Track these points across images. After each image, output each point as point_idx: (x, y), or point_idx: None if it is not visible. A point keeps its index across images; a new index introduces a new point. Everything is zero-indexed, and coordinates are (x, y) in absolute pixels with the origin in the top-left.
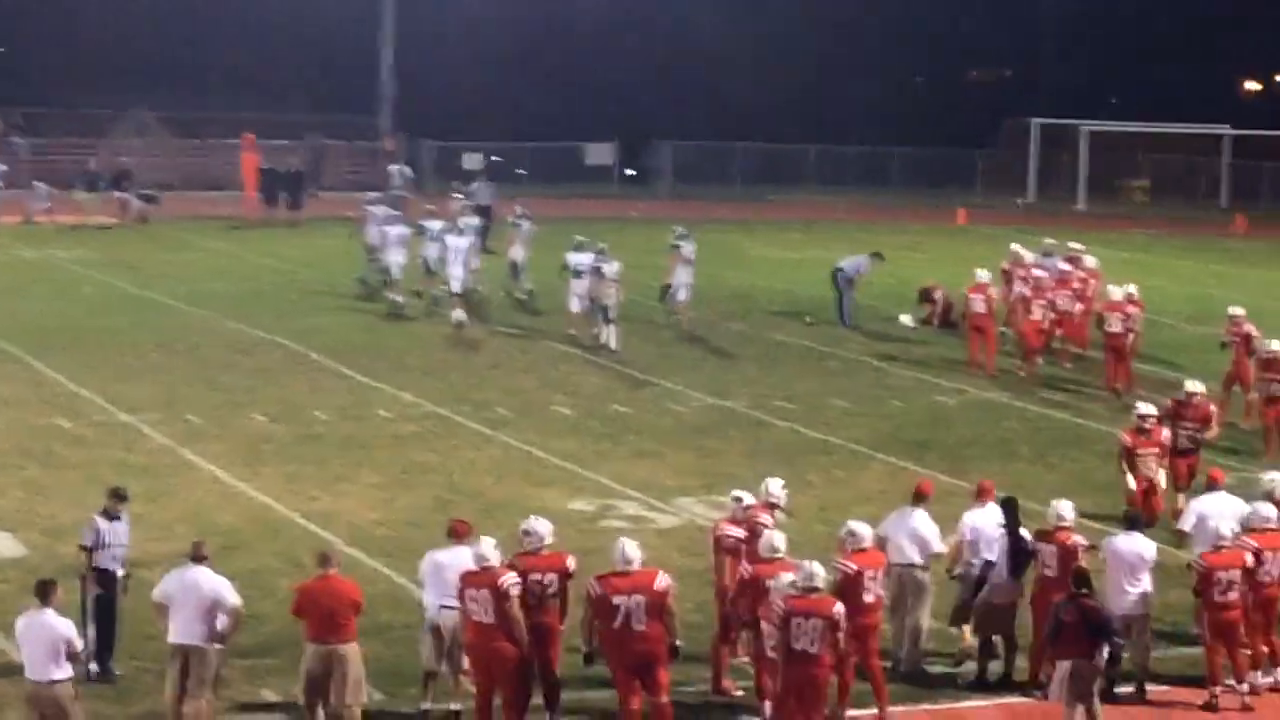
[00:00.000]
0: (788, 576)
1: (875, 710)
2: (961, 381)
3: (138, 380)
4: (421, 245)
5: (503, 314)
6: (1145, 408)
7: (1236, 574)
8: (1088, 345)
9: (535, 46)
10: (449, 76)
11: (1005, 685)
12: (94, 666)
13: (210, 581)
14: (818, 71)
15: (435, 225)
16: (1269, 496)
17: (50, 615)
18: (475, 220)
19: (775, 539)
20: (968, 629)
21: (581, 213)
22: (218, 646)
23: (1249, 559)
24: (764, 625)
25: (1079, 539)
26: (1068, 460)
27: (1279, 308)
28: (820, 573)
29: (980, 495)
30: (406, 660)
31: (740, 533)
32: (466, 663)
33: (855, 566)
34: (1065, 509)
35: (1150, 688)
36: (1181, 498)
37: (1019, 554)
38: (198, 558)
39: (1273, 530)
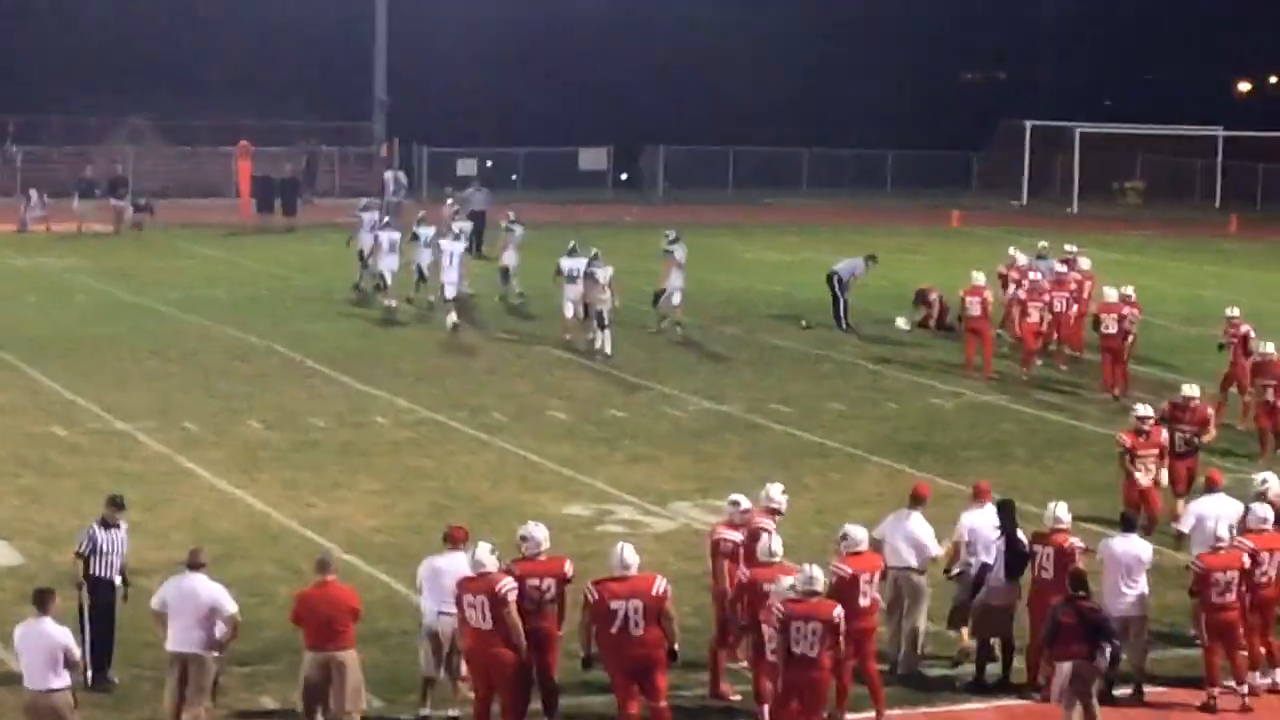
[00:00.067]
0: (787, 580)
1: (873, 714)
2: (957, 384)
3: (133, 388)
4: (414, 251)
5: (498, 319)
6: (1143, 409)
7: (1234, 575)
8: (1083, 348)
9: (529, 52)
10: (443, 82)
11: (1003, 687)
12: (88, 674)
13: (208, 589)
14: (812, 74)
15: (427, 231)
16: (1261, 497)
17: (48, 624)
18: (467, 225)
19: (773, 543)
20: (965, 631)
21: (576, 218)
22: (216, 654)
23: (1246, 560)
24: (764, 629)
25: (1075, 541)
26: (1064, 462)
27: (1274, 309)
28: (820, 576)
29: (977, 496)
30: (405, 667)
31: (738, 536)
32: (465, 669)
33: (850, 570)
34: (1061, 511)
35: (1148, 689)
36: (1181, 502)
37: (1016, 556)
38: (195, 565)
39: (1269, 531)
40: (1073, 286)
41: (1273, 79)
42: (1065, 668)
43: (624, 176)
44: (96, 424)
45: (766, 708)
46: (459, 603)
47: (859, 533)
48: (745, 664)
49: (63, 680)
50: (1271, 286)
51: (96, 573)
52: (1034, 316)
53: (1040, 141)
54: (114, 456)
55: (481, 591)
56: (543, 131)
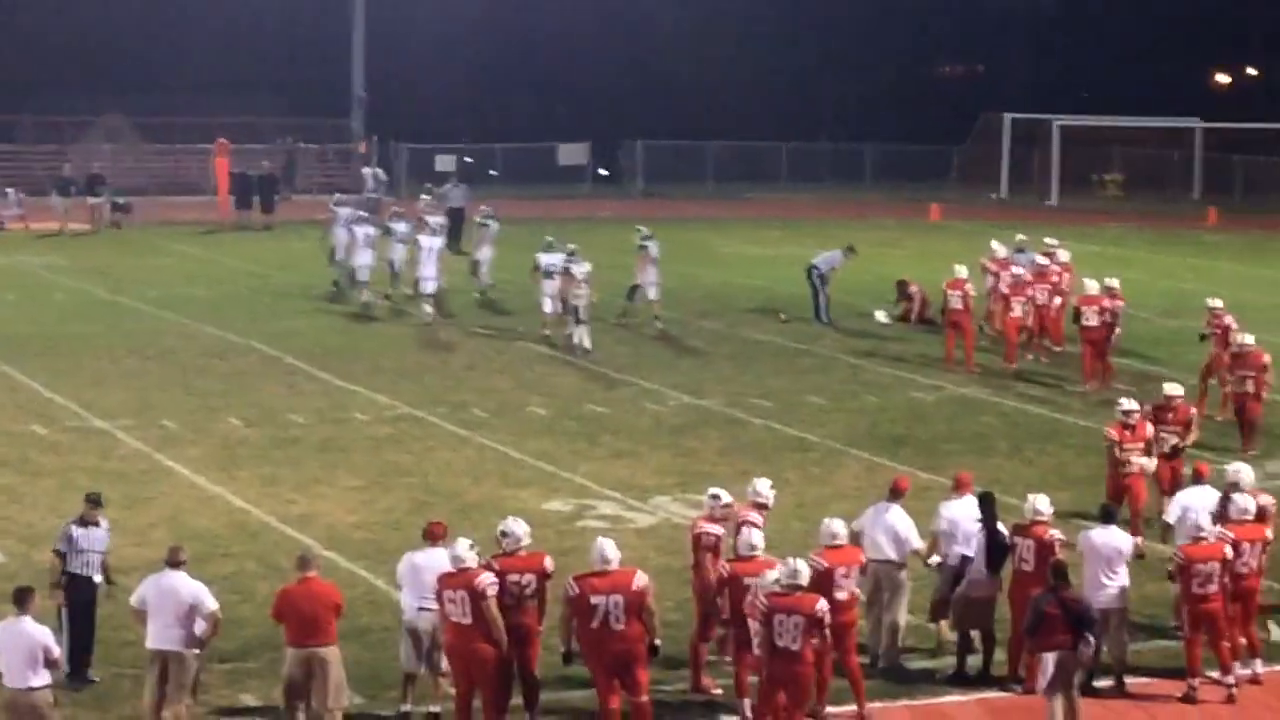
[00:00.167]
0: (772, 574)
1: (854, 707)
2: (938, 377)
3: (112, 386)
4: (388, 246)
5: (476, 315)
6: (1128, 403)
7: (1215, 566)
8: (1063, 340)
9: (508, 48)
10: (422, 79)
11: (984, 680)
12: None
13: (188, 586)
14: (790, 68)
15: (402, 226)
16: (1235, 488)
17: (28, 623)
18: (441, 219)
19: (753, 536)
20: (945, 624)
21: (555, 213)
22: (196, 651)
23: (1228, 551)
24: (750, 622)
25: (1056, 533)
26: (1045, 455)
27: (1253, 300)
28: (804, 570)
29: (958, 487)
30: (386, 663)
31: (720, 530)
32: (446, 664)
33: (825, 564)
34: (1042, 503)
35: (1129, 680)
36: (1166, 500)
37: (996, 549)
38: (175, 563)
39: (1250, 521)
40: (1054, 279)
41: (1250, 71)
42: (1049, 658)
43: (603, 172)
44: (75, 422)
45: (747, 701)
46: (439, 598)
47: (836, 526)
48: (728, 658)
49: (42, 679)
50: (1251, 279)
51: (74, 570)
52: (1017, 311)
53: (1019, 134)
54: (93, 455)
55: (461, 587)
56: (521, 127)
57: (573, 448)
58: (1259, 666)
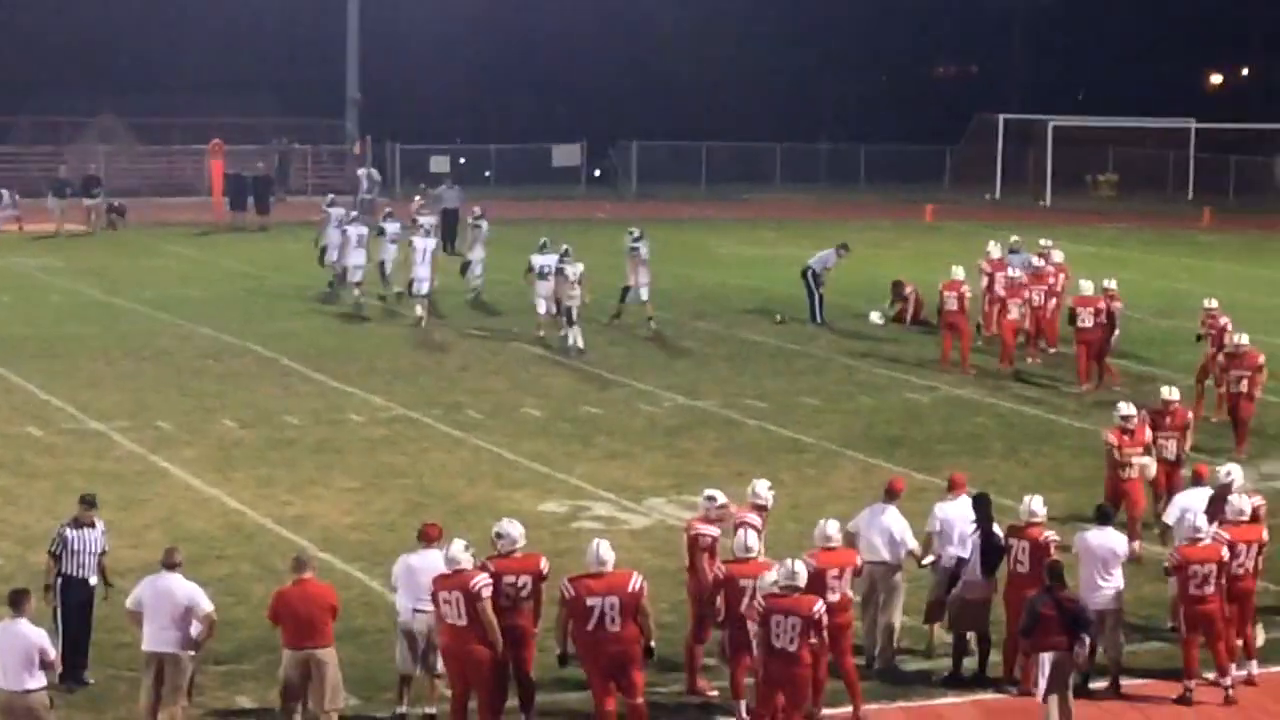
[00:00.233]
0: (770, 575)
1: (850, 709)
2: (933, 378)
3: (107, 387)
4: (379, 247)
5: (472, 317)
6: (1126, 408)
7: (1212, 567)
8: (1057, 341)
9: (502, 49)
10: (416, 79)
11: (979, 681)
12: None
13: (183, 588)
14: (785, 69)
15: (394, 227)
16: (1226, 490)
17: (24, 624)
18: (431, 220)
19: (749, 538)
20: (938, 627)
21: (549, 214)
22: (192, 653)
23: (1225, 553)
24: (749, 624)
25: (1051, 535)
26: (1040, 456)
27: (1247, 300)
28: (802, 571)
29: (952, 488)
30: (381, 665)
31: (716, 531)
32: (441, 666)
33: (815, 565)
34: (1037, 505)
35: (1124, 681)
36: (1162, 504)
37: (992, 550)
38: (170, 565)
39: (1246, 523)
40: (1050, 281)
41: (1244, 71)
42: (1045, 659)
43: (597, 173)
44: (71, 424)
45: (743, 703)
46: (434, 600)
47: (830, 528)
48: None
49: (38, 681)
50: (1246, 279)
51: (68, 572)
52: (1014, 314)
53: (1013, 135)
54: (89, 456)
55: (456, 588)
56: (516, 128)
57: (567, 449)
58: (1254, 668)
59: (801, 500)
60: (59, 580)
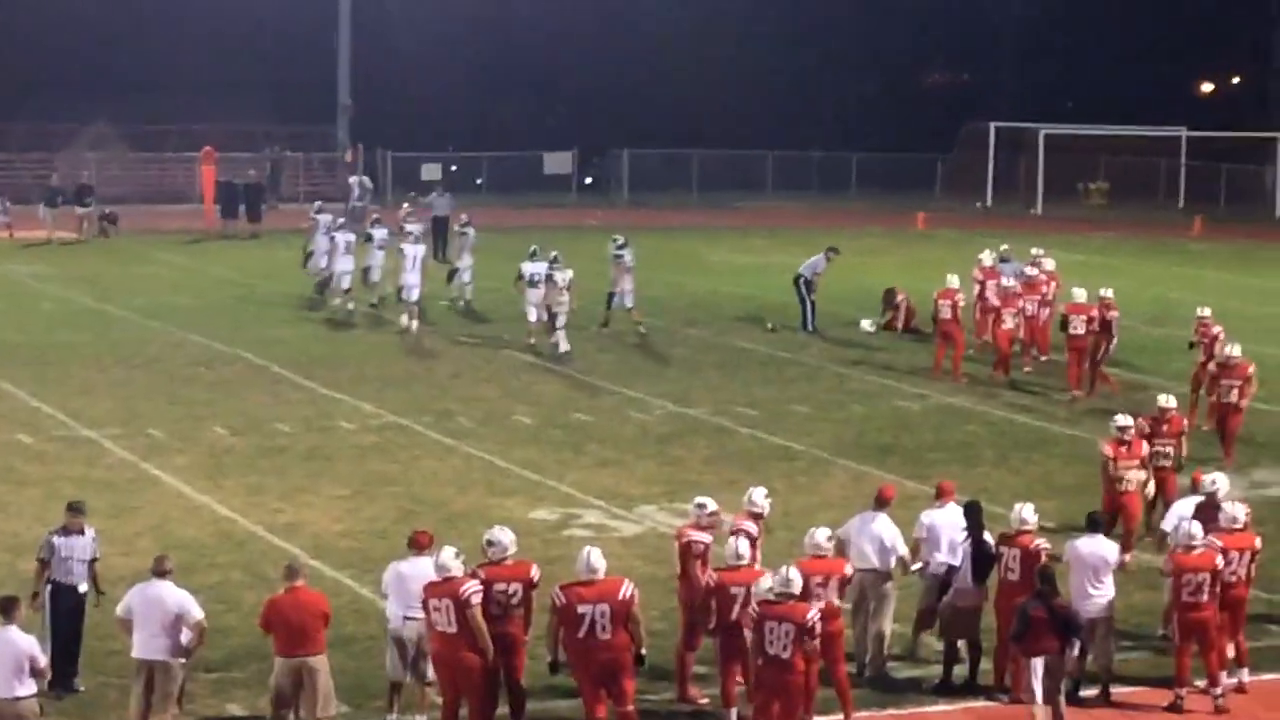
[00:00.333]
0: (766, 581)
1: (841, 717)
2: (925, 386)
3: (98, 395)
4: (367, 254)
5: (462, 324)
6: (1123, 419)
7: (1206, 576)
8: (1049, 349)
9: (494, 56)
10: (407, 87)
11: (970, 689)
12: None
13: (174, 596)
14: (776, 77)
15: (381, 233)
16: (1212, 498)
17: (13, 632)
18: (418, 227)
19: (741, 546)
20: (926, 635)
21: (540, 222)
22: (182, 661)
23: (1219, 561)
24: (745, 631)
25: (1041, 543)
26: (1031, 464)
27: (1238, 308)
28: (797, 579)
29: (940, 495)
30: (371, 672)
31: (708, 539)
32: (432, 673)
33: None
34: (1028, 513)
35: (1115, 689)
36: (1154, 512)
37: (982, 558)
38: (161, 572)
39: (1239, 530)
40: (1043, 290)
41: (1235, 79)
42: (1037, 663)
43: (588, 180)
44: (62, 431)
45: (734, 711)
46: (425, 607)
47: (819, 536)
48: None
49: (28, 688)
50: (1236, 287)
51: (57, 579)
52: (1009, 323)
53: (1004, 143)
54: (79, 464)
55: (446, 595)
56: (507, 136)
57: (559, 456)
58: (1245, 675)
59: (793, 508)
60: (49, 587)
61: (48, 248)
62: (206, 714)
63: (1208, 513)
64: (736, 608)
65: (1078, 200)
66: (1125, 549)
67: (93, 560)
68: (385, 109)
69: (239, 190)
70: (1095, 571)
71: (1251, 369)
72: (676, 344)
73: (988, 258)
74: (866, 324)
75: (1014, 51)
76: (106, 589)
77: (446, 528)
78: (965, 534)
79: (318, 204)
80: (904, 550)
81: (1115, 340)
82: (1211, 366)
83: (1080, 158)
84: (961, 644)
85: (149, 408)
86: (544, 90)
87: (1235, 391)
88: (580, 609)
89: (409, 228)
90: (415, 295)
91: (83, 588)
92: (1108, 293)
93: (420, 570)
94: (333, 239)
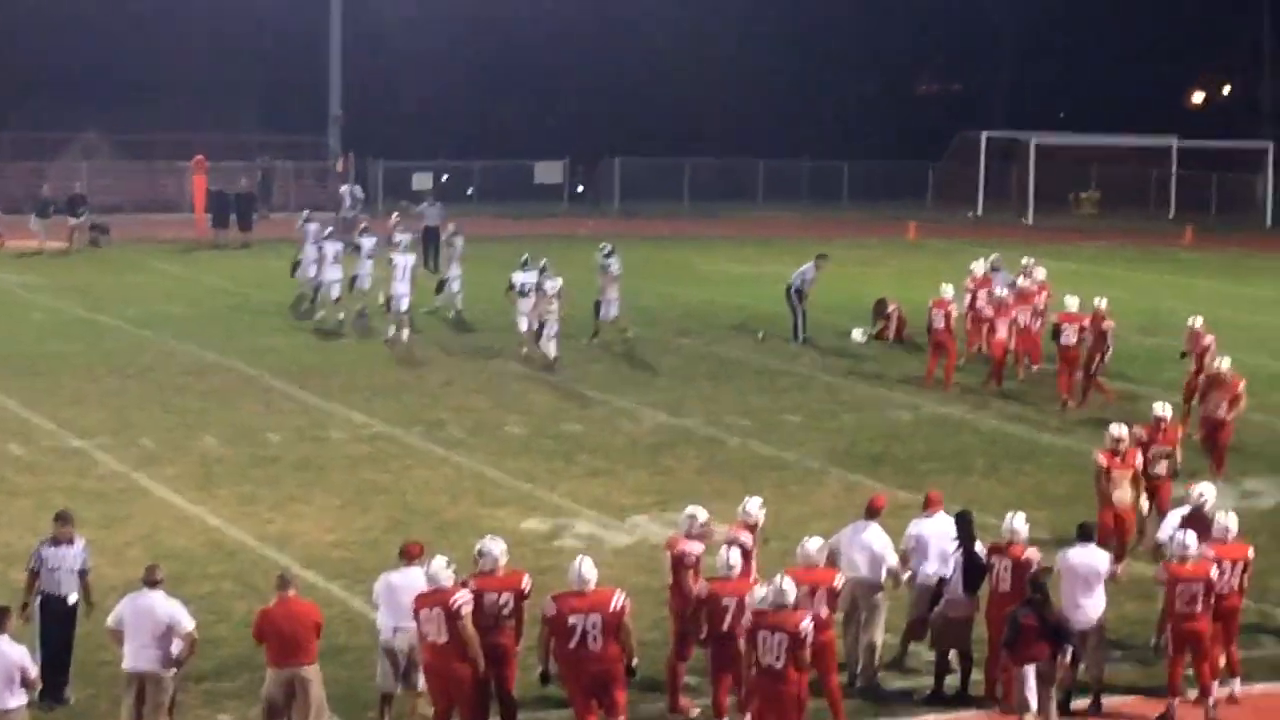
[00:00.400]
0: (760, 591)
1: None
2: (916, 396)
3: (89, 405)
4: (355, 263)
5: (452, 334)
6: (1118, 429)
7: (1200, 586)
8: (1041, 359)
9: (485, 66)
10: (399, 96)
11: (961, 700)
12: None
13: (165, 606)
14: (768, 86)
15: (369, 242)
16: (1199, 509)
17: (4, 642)
18: (407, 236)
19: (732, 556)
20: (920, 646)
21: (532, 231)
22: (173, 672)
23: (1214, 571)
24: (739, 641)
25: (1033, 553)
26: (1022, 474)
27: (1230, 318)
28: (790, 589)
29: (928, 505)
30: (363, 683)
31: (699, 549)
32: (423, 684)
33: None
34: (1019, 523)
35: (1106, 699)
36: (1151, 524)
37: (973, 569)
38: (151, 582)
39: (1232, 541)
40: (1036, 300)
41: (1226, 89)
42: (1028, 671)
43: (580, 190)
44: (52, 441)
45: None
46: (416, 618)
47: (810, 547)
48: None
49: (19, 699)
50: (1228, 296)
51: (47, 590)
52: (1002, 333)
53: (996, 153)
54: (70, 474)
55: (437, 605)
56: (499, 145)
57: (550, 466)
58: (1237, 686)
59: (784, 518)
60: (38, 598)
61: (39, 258)
62: None
63: (1196, 523)
64: (728, 618)
65: (1069, 210)
66: (1117, 558)
67: (84, 571)
68: (376, 118)
69: (230, 200)
70: (1087, 582)
71: (1241, 385)
72: (668, 354)
73: (979, 267)
74: (858, 334)
75: (1006, 60)
76: (97, 599)
77: (438, 538)
78: (956, 544)
79: (305, 213)
80: (893, 560)
81: (1110, 350)
82: (1201, 378)
83: (1071, 167)
84: (953, 655)
85: (140, 417)
86: (535, 100)
87: (1224, 407)
88: (571, 619)
89: (397, 237)
90: (405, 305)
91: (72, 598)
92: (1102, 303)
93: (411, 581)
94: (321, 248)
